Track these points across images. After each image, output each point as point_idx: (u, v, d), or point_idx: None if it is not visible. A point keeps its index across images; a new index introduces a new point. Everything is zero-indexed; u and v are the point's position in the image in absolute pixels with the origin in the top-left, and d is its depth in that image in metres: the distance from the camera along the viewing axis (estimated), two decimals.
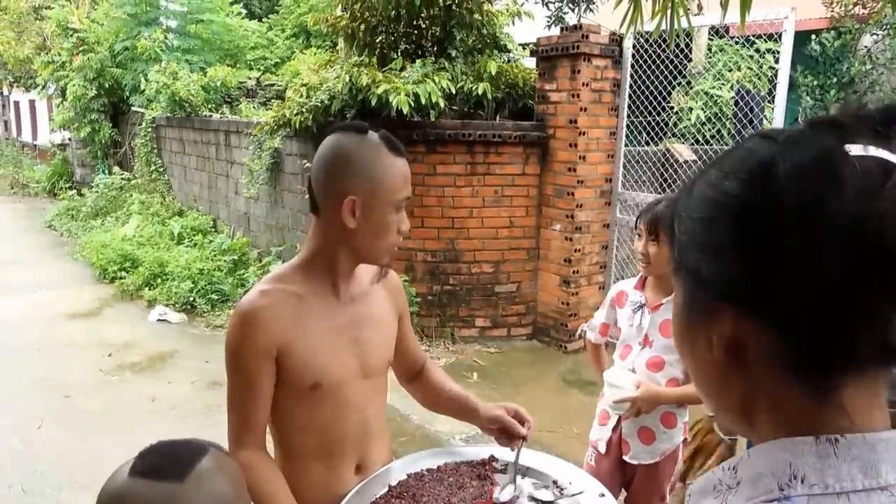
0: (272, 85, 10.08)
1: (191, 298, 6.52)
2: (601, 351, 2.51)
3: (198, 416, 4.24)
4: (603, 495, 1.35)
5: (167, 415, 4.28)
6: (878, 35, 10.28)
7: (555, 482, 1.41)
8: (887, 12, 9.94)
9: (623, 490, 2.40)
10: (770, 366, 0.56)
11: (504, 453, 1.54)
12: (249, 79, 10.36)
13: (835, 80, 10.59)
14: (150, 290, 6.81)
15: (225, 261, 7.11)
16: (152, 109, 9.85)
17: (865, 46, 10.42)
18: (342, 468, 1.45)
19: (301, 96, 5.32)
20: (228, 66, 10.76)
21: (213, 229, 8.55)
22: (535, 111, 5.52)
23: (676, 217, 0.64)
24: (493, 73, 5.32)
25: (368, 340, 1.45)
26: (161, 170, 10.18)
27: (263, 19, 14.98)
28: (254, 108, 9.03)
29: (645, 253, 2.12)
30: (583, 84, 5.08)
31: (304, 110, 5.25)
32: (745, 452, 0.59)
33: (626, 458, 2.27)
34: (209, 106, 8.95)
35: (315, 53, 11.17)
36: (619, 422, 2.28)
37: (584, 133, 5.19)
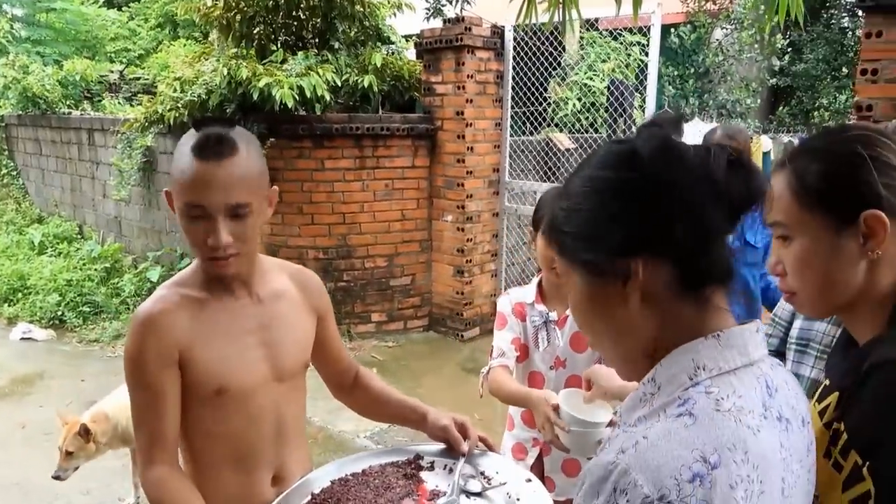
0: (138, 79, 9.44)
1: (59, 313, 6.01)
2: (507, 374, 1.95)
3: None
4: (529, 480, 1.35)
5: (41, 443, 3.90)
6: (727, 28, 11.16)
7: (482, 473, 1.40)
8: (735, 8, 10.82)
9: None
10: (669, 293, 0.76)
11: (429, 450, 1.52)
12: (112, 72, 9.64)
13: (692, 70, 11.40)
14: (9, 306, 6.20)
15: (96, 269, 6.59)
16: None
17: (717, 39, 11.29)
18: (258, 477, 1.39)
19: (175, 91, 5.01)
20: (87, 58, 9.96)
21: (79, 236, 7.89)
22: (421, 103, 5.53)
23: (562, 219, 0.82)
24: (378, 65, 5.26)
25: (279, 342, 1.39)
26: (14, 173, 9.28)
27: (124, 8, 13.96)
28: (119, 103, 8.42)
29: None
30: (468, 76, 5.14)
31: (178, 105, 4.95)
32: (657, 365, 0.78)
33: (552, 496, 1.98)
34: (67, 102, 8.23)
35: (185, 45, 10.56)
36: (539, 457, 1.98)
37: (470, 124, 5.26)
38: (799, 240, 0.95)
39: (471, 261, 5.50)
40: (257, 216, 1.29)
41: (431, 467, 1.47)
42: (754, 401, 0.74)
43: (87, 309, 6.09)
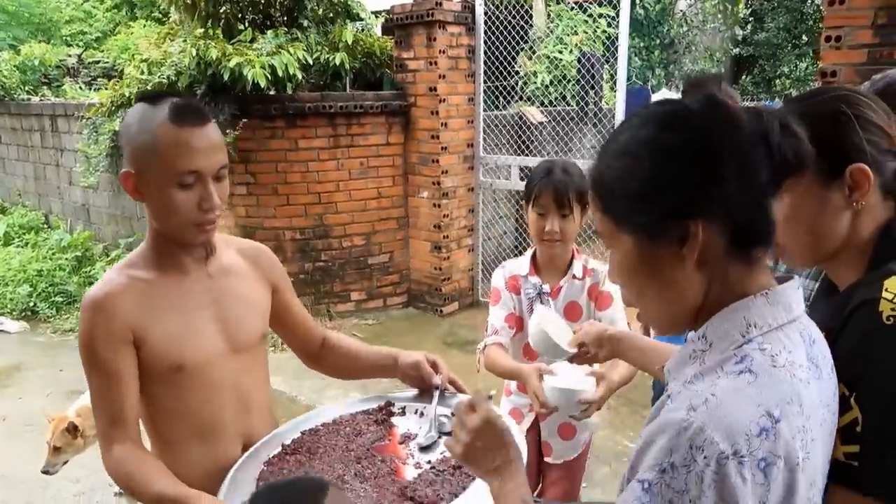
0: (97, 62, 9.19)
1: (31, 304, 5.90)
2: (501, 351, 1.99)
3: None
4: (499, 417, 1.40)
5: (23, 434, 3.87)
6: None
7: (452, 414, 1.41)
8: None
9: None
10: (722, 254, 0.79)
11: (400, 397, 1.57)
12: (70, 56, 9.36)
13: (657, 41, 11.49)
14: None
15: (66, 259, 6.47)
16: None
17: (681, 10, 11.38)
18: (227, 448, 1.40)
19: (142, 73, 4.90)
20: (42, 42, 9.65)
21: (45, 225, 7.72)
22: (393, 80, 5.50)
23: (612, 181, 0.81)
24: (349, 42, 5.22)
25: (232, 315, 1.40)
26: None
27: None
28: (80, 88, 8.19)
29: (557, 230, 1.89)
30: (439, 51, 5.13)
31: (147, 88, 4.84)
32: (708, 322, 0.81)
33: (549, 459, 2.09)
34: (26, 88, 7.99)
35: (145, 26, 10.29)
36: (535, 422, 2.05)
37: (444, 100, 5.25)
38: (788, 196, 1.00)
39: (448, 236, 5.53)
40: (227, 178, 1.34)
41: (403, 412, 1.51)
42: (801, 355, 0.79)
43: (60, 299, 5.99)
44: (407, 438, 1.42)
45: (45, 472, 2.93)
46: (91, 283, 6.08)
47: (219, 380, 1.38)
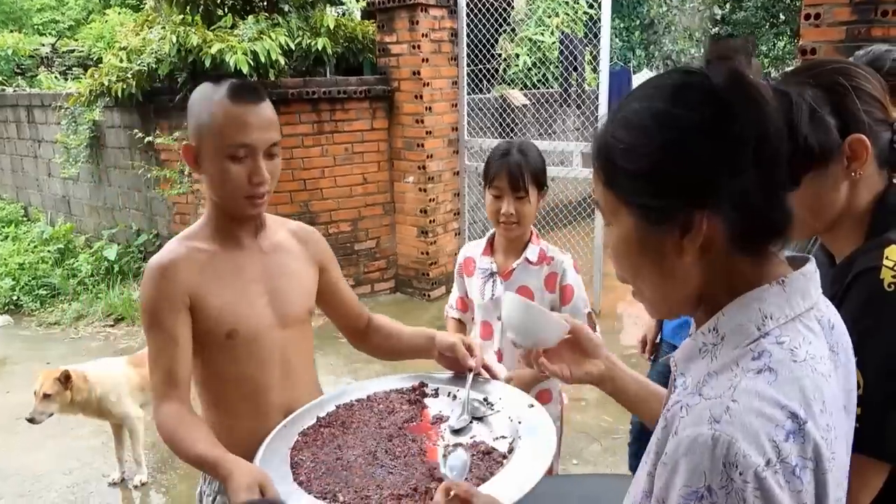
0: (72, 51, 9.03)
1: (14, 297, 5.84)
2: (454, 325, 2.17)
3: (50, 423, 3.83)
4: (532, 405, 1.39)
5: (14, 427, 3.84)
6: None
7: (485, 399, 1.44)
8: None
9: None
10: (727, 248, 0.72)
11: (434, 377, 1.58)
12: (43, 46, 9.19)
13: (637, 22, 11.51)
14: None
15: (49, 251, 6.40)
16: None
17: None
18: (270, 415, 1.45)
19: (121, 61, 4.83)
20: (14, 31, 9.45)
21: (25, 218, 7.62)
22: (376, 65, 5.47)
23: (619, 154, 0.73)
24: (331, 27, 5.18)
25: (283, 290, 1.48)
26: None
27: None
28: (55, 78, 8.06)
29: (513, 212, 1.89)
30: (422, 35, 5.11)
31: (127, 76, 4.78)
32: (719, 314, 0.74)
33: None
34: (0, 79, 7.85)
35: (120, 13, 10.11)
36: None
37: (427, 84, 5.24)
38: None
39: (434, 221, 5.55)
40: (279, 157, 1.40)
41: (436, 394, 1.52)
42: (822, 345, 0.73)
43: (44, 292, 5.93)
44: (438, 420, 1.43)
45: (31, 419, 2.97)
46: (75, 276, 6.04)
47: (267, 350, 1.45)
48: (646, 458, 0.78)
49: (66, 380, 2.97)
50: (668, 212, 0.71)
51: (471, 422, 1.37)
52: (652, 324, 2.52)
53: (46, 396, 2.96)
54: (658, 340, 2.52)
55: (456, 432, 1.35)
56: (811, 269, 0.76)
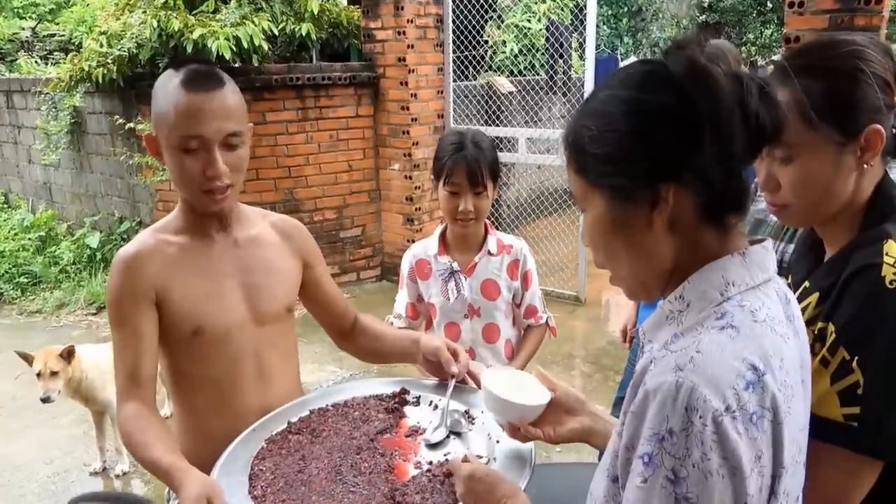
0: (52, 35, 8.90)
1: None
2: None
3: (30, 413, 3.82)
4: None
5: None
6: None
7: (466, 412, 1.37)
8: None
9: None
10: (694, 219, 0.78)
11: (417, 384, 1.51)
12: (23, 29, 9.03)
13: (625, 9, 11.49)
14: None
15: (30, 239, 6.32)
16: None
17: None
18: (242, 419, 1.38)
19: (101, 46, 4.76)
20: None
21: (5, 205, 7.51)
22: (361, 51, 5.43)
23: (588, 140, 0.79)
24: (315, 12, 5.12)
25: (258, 285, 1.41)
26: None
27: None
28: (35, 62, 7.93)
29: (471, 209, 1.82)
30: (408, 21, 5.07)
31: (107, 61, 4.71)
32: (684, 283, 0.80)
33: None
34: None
35: None
36: None
37: (413, 70, 5.21)
38: (802, 158, 0.98)
39: (420, 208, 5.53)
40: (246, 148, 1.33)
41: (417, 402, 1.45)
42: (779, 311, 0.79)
43: (25, 280, 5.86)
44: (415, 432, 1.35)
45: (45, 399, 2.97)
46: (57, 264, 5.98)
47: (238, 348, 1.38)
48: (619, 422, 0.82)
49: (68, 355, 2.97)
50: (637, 189, 0.77)
51: (448, 436, 1.31)
52: (631, 314, 2.57)
53: (54, 374, 2.95)
54: (634, 329, 2.56)
55: (432, 447, 1.29)
56: (769, 246, 0.83)
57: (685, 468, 0.69)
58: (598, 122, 0.79)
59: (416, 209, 5.49)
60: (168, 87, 1.25)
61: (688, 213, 0.77)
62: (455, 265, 1.94)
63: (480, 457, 1.24)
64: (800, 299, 1.03)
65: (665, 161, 0.75)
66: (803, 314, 1.01)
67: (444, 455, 1.26)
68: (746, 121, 0.74)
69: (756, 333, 0.74)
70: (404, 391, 1.48)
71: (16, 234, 6.47)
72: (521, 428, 1.15)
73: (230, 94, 1.28)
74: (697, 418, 0.68)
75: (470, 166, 1.79)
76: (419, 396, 1.46)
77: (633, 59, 10.29)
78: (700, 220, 0.78)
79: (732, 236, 0.80)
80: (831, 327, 0.96)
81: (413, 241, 5.54)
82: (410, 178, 5.41)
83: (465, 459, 1.08)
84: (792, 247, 1.35)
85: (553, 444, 1.19)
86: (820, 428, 0.91)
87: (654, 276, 0.82)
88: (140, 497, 0.92)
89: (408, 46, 5.12)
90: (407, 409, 1.43)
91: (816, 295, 1.02)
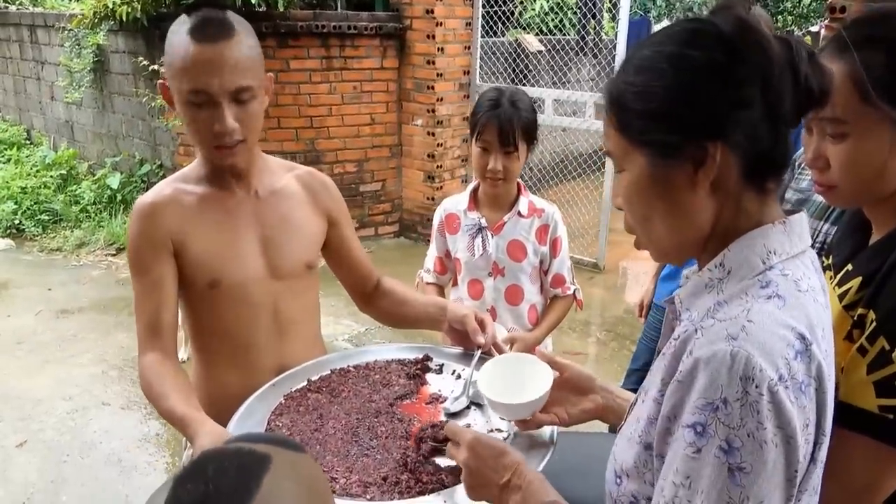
0: None
1: (16, 221, 5.81)
2: (442, 295, 2.06)
3: (50, 349, 3.89)
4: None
5: (14, 351, 3.89)
6: None
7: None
8: None
9: None
10: (737, 180, 0.77)
11: (441, 352, 1.48)
12: None
13: None
14: None
15: (51, 176, 6.34)
16: None
17: None
18: (260, 374, 1.37)
19: None
20: None
21: (27, 141, 7.53)
22: (389, 1, 5.30)
23: (631, 97, 0.78)
24: None
25: (278, 239, 1.38)
26: None
27: None
28: None
29: (500, 168, 1.81)
30: None
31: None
32: (724, 251, 0.79)
33: None
34: None
35: None
36: None
37: (441, 24, 5.08)
38: (856, 136, 0.93)
39: (441, 166, 5.47)
40: (259, 102, 1.27)
41: (440, 370, 1.42)
42: (818, 282, 0.79)
43: (46, 217, 5.90)
44: (435, 400, 1.32)
45: None
46: (77, 202, 6.02)
47: (255, 302, 1.36)
48: (647, 389, 0.83)
49: None
50: (682, 146, 0.75)
51: (468, 406, 1.28)
52: (649, 287, 2.55)
53: None
54: (650, 304, 2.54)
55: (451, 416, 1.26)
56: (804, 217, 0.82)
57: (739, 438, 0.68)
58: (644, 77, 0.77)
59: (437, 166, 5.43)
60: (178, 34, 1.19)
61: (733, 174, 0.76)
62: (483, 221, 1.93)
63: (500, 430, 1.22)
64: (841, 283, 1.00)
65: (715, 117, 0.74)
66: (843, 298, 0.98)
67: (465, 425, 1.23)
68: (796, 82, 0.74)
69: (801, 303, 0.74)
70: (427, 358, 1.46)
71: (38, 171, 6.49)
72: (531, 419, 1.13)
73: (242, 45, 1.20)
74: (753, 388, 0.68)
75: (502, 125, 1.78)
76: (442, 364, 1.44)
77: (665, 22, 10.00)
78: (743, 182, 0.77)
79: (770, 203, 0.80)
80: (872, 315, 0.92)
81: (433, 199, 5.55)
82: (433, 134, 5.34)
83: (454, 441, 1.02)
84: (835, 229, 1.30)
85: (567, 426, 1.16)
86: (851, 417, 0.89)
87: (692, 239, 0.81)
88: (291, 440, 0.88)
89: None
90: (429, 377, 1.41)
91: (859, 279, 0.98)
